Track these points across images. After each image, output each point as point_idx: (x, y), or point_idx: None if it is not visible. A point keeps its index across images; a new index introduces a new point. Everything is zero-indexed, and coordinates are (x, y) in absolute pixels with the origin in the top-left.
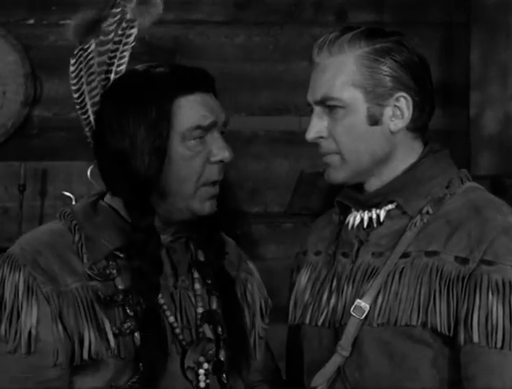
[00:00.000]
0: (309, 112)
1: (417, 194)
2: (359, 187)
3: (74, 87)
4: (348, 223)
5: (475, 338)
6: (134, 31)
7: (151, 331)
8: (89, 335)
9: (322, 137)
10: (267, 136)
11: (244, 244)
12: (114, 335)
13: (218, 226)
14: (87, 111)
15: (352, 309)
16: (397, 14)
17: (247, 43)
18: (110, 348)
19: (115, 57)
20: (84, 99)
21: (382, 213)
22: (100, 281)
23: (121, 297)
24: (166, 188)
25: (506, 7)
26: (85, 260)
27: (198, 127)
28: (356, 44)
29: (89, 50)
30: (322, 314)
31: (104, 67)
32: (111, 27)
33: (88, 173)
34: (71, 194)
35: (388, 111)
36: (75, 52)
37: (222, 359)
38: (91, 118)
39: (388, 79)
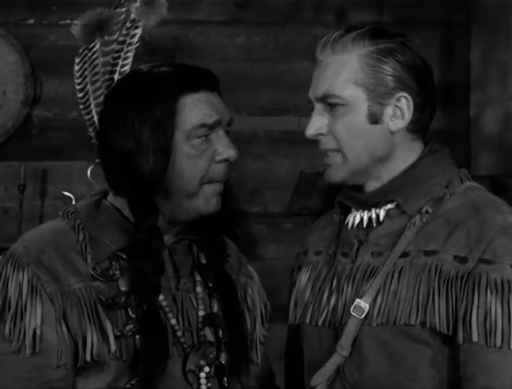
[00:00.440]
0: (310, 110)
1: (416, 193)
2: (359, 187)
3: (78, 87)
4: (348, 223)
5: (474, 337)
6: (139, 31)
7: (152, 332)
8: (92, 337)
9: (321, 134)
10: (267, 136)
11: (244, 244)
12: (116, 337)
13: (220, 229)
14: (91, 111)
15: (351, 308)
16: (397, 14)
17: (247, 43)
18: (111, 351)
19: (119, 57)
20: (88, 99)
21: (382, 213)
22: (102, 282)
23: (123, 298)
24: (171, 187)
25: (506, 7)
26: (89, 260)
27: (203, 125)
28: (360, 43)
29: (94, 50)
30: (322, 313)
31: (109, 67)
32: (115, 28)
33: (88, 173)
34: (71, 194)
35: (389, 110)
36: (80, 51)
37: (223, 362)
38: (95, 118)
39: (390, 78)
